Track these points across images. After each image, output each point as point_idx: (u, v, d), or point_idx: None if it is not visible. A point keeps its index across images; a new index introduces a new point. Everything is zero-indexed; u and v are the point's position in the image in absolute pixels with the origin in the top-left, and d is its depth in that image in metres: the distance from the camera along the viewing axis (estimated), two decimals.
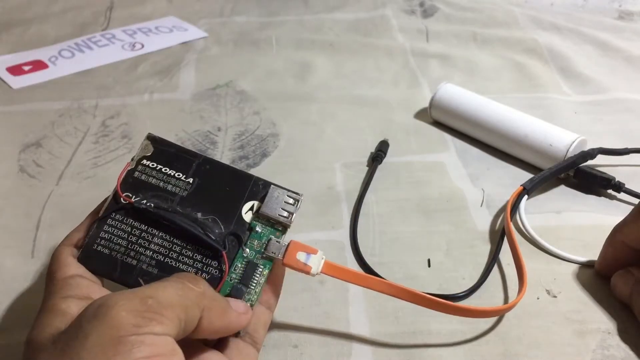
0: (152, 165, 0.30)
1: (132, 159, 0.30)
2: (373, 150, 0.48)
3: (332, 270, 0.29)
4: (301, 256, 0.28)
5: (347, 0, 0.78)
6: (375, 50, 0.66)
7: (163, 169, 0.30)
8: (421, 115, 0.53)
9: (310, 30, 0.71)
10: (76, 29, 0.71)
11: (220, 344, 0.27)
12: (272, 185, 0.29)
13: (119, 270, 0.27)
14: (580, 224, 0.40)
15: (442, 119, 0.51)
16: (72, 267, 0.27)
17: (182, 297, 0.23)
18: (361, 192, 0.43)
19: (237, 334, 0.27)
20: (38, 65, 0.62)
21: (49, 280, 0.26)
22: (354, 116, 0.53)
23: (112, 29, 0.71)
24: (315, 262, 0.28)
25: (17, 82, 0.59)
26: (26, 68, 0.61)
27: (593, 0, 0.78)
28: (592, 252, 0.37)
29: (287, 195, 0.29)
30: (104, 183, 0.45)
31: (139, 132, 0.51)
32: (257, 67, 0.62)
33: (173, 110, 0.54)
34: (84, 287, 0.26)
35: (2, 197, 0.43)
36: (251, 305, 0.27)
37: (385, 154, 0.47)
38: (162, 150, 0.30)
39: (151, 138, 0.31)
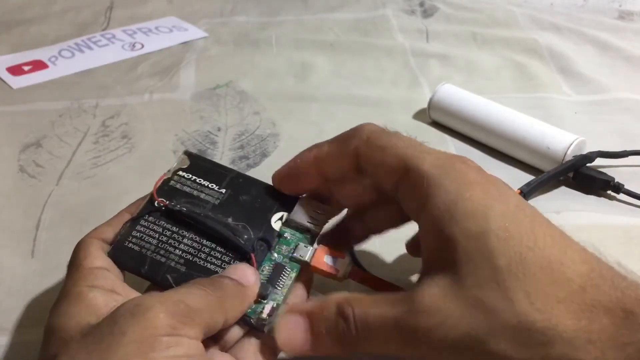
0: (188, 176, 0.31)
1: (169, 170, 0.31)
2: None
3: (358, 276, 0.29)
4: (328, 259, 0.29)
5: (347, 0, 0.78)
6: (375, 50, 0.66)
7: (197, 180, 0.31)
8: (421, 115, 0.53)
9: (310, 30, 0.71)
10: (76, 29, 0.71)
11: (238, 346, 0.26)
12: (301, 196, 0.31)
13: (147, 266, 0.28)
14: (580, 224, 0.40)
15: (441, 120, 0.51)
16: (100, 259, 0.27)
17: (207, 304, 0.23)
18: None
19: (261, 331, 0.26)
20: (38, 65, 0.62)
21: (74, 268, 0.26)
22: (354, 116, 0.53)
23: (112, 29, 0.71)
24: (342, 266, 0.28)
25: (17, 82, 0.59)
26: (26, 68, 0.61)
27: (593, 0, 0.78)
28: (592, 250, 0.36)
29: (316, 206, 0.30)
30: (104, 183, 0.45)
31: (139, 132, 0.51)
32: (257, 67, 0.62)
33: (173, 110, 0.54)
34: (109, 279, 0.26)
35: (2, 197, 0.43)
36: (276, 305, 0.27)
37: None
38: (198, 163, 0.32)
39: (188, 153, 0.32)
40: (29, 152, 0.48)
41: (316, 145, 0.29)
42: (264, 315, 0.26)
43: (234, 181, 0.31)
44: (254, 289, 0.26)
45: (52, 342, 0.23)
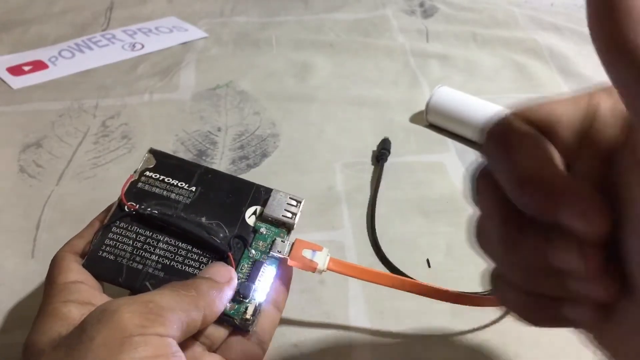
0: (155, 176, 0.30)
1: (135, 172, 0.30)
2: (374, 149, 0.48)
3: (338, 266, 0.29)
4: (307, 253, 0.28)
5: (347, 0, 0.78)
6: (375, 50, 0.66)
7: (166, 179, 0.30)
8: (421, 115, 0.53)
9: (310, 31, 0.71)
10: (76, 29, 0.71)
11: (225, 346, 0.27)
12: (273, 189, 0.30)
13: (124, 275, 0.27)
14: None
15: (438, 123, 0.51)
16: (74, 272, 0.27)
17: (179, 302, 0.23)
18: (373, 192, 0.43)
19: (246, 331, 0.27)
20: (38, 65, 0.62)
21: (48, 284, 0.26)
22: (354, 116, 0.53)
23: (112, 29, 0.71)
24: (321, 259, 0.28)
25: (17, 82, 0.59)
26: (26, 68, 0.61)
27: None
28: None
29: (290, 198, 0.30)
30: (104, 183, 0.45)
31: (139, 132, 0.51)
32: (257, 67, 0.62)
33: (173, 111, 0.54)
34: (84, 292, 0.26)
35: (2, 197, 0.43)
36: (259, 304, 0.27)
37: (389, 152, 0.47)
38: (164, 162, 0.31)
39: (153, 151, 0.31)
40: (29, 152, 0.48)
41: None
42: (248, 315, 0.26)
43: (203, 177, 0.30)
44: (231, 285, 0.26)
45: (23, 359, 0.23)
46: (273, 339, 0.32)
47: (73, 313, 0.24)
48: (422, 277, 0.36)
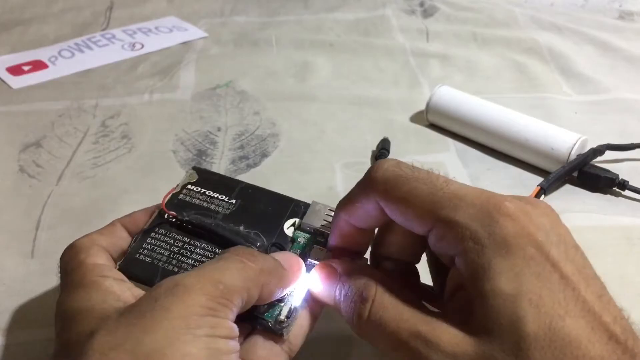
0: (197, 189, 0.31)
1: (178, 185, 0.31)
2: (374, 149, 0.48)
3: None
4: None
5: (347, 0, 0.78)
6: (375, 50, 0.66)
7: (207, 192, 0.31)
8: (421, 115, 0.53)
9: (310, 30, 0.71)
10: (76, 29, 0.71)
11: (248, 348, 0.25)
12: (313, 201, 0.30)
13: (159, 277, 0.27)
14: (582, 225, 0.40)
15: (439, 123, 0.51)
16: (103, 258, 0.27)
17: (245, 279, 0.23)
18: None
19: (279, 335, 0.26)
20: (38, 65, 0.62)
21: (76, 265, 0.26)
22: (354, 116, 0.53)
23: (112, 29, 0.71)
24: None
25: (17, 82, 0.59)
26: (26, 68, 0.61)
27: (593, 0, 0.78)
28: (593, 252, 0.36)
29: (329, 209, 0.30)
30: (104, 183, 0.45)
31: (138, 132, 0.51)
32: (257, 67, 0.62)
33: (173, 110, 0.54)
34: (116, 272, 0.26)
35: (2, 197, 0.43)
36: (294, 308, 0.26)
37: (389, 152, 0.47)
38: (206, 177, 0.32)
39: (196, 168, 0.32)
40: (29, 152, 0.48)
41: (341, 209, 0.27)
42: (282, 316, 0.26)
43: (244, 191, 0.31)
44: (296, 275, 0.26)
45: (79, 323, 0.23)
46: None
47: (115, 287, 0.24)
48: (423, 278, 0.36)
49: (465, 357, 0.21)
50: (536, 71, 0.61)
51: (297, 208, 0.30)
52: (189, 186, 0.31)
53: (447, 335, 0.22)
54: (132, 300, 0.23)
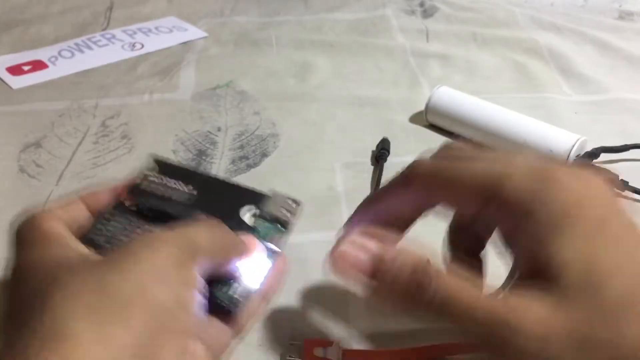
0: (156, 179, 0.31)
1: (136, 175, 0.31)
2: (374, 149, 0.48)
3: (355, 355, 0.31)
4: (319, 352, 0.30)
5: (347, 0, 0.78)
6: (375, 50, 0.66)
7: (166, 182, 0.31)
8: (420, 115, 0.53)
9: (310, 30, 0.71)
10: (76, 29, 0.71)
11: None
12: (273, 191, 0.31)
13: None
14: None
15: (439, 123, 0.51)
16: (61, 227, 0.25)
17: (214, 242, 0.24)
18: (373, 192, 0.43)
19: (229, 312, 0.26)
20: (38, 65, 0.62)
21: (33, 228, 0.24)
22: (354, 116, 0.53)
23: (112, 29, 0.71)
24: (334, 354, 0.30)
25: (17, 82, 0.59)
26: (26, 68, 0.61)
27: (593, 0, 0.78)
28: None
29: (287, 198, 0.30)
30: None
31: (139, 132, 0.51)
32: (257, 67, 0.62)
33: (173, 110, 0.54)
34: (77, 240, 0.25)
35: (2, 197, 0.43)
36: (250, 289, 0.27)
37: (388, 152, 0.47)
38: (166, 167, 0.32)
39: (155, 158, 0.32)
40: (29, 152, 0.48)
41: (376, 199, 0.29)
42: (236, 296, 0.26)
43: (204, 182, 0.31)
44: (252, 248, 0.27)
45: (39, 272, 0.21)
46: (272, 336, 0.32)
47: (80, 247, 0.24)
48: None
49: (556, 337, 0.20)
50: (536, 71, 0.61)
51: (258, 198, 0.31)
52: (150, 177, 0.31)
53: (532, 314, 0.20)
54: (99, 259, 0.22)
